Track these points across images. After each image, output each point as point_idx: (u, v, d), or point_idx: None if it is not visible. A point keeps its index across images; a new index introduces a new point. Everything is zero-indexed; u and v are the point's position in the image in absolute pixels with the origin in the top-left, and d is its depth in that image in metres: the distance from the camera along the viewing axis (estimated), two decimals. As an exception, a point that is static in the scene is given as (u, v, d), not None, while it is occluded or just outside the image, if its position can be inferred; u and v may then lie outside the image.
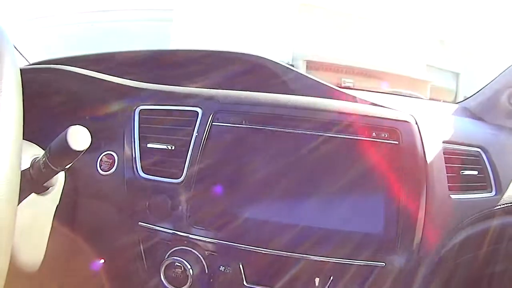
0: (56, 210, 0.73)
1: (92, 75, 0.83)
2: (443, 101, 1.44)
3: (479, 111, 1.15)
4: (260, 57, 0.95)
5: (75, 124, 0.62)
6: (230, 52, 0.98)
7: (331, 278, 0.67)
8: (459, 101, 1.28)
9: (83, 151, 0.61)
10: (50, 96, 0.88)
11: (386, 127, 0.72)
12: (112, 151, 0.79)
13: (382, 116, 0.73)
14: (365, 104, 0.79)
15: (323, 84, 0.92)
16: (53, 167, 0.63)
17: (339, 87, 0.94)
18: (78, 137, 0.60)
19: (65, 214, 0.77)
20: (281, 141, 0.72)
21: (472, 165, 0.83)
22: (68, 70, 0.84)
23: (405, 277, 0.69)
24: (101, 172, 0.79)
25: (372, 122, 0.71)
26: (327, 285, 0.67)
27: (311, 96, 0.79)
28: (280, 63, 0.96)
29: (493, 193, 0.83)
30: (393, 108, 0.77)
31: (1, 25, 0.53)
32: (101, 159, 0.79)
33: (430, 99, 1.60)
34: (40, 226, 0.71)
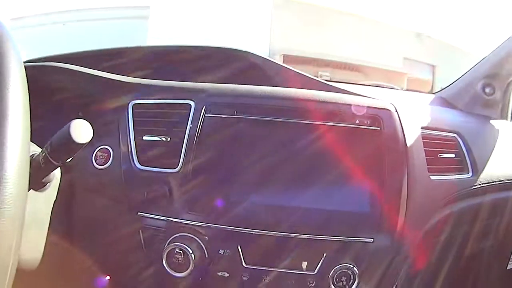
0: (53, 205, 0.75)
1: (84, 71, 0.87)
2: (420, 92, 1.53)
3: (455, 100, 1.24)
4: (246, 51, 1.01)
5: (68, 120, 0.65)
6: (216, 47, 1.03)
7: (324, 255, 0.73)
8: (435, 91, 1.37)
9: (85, 144, 0.64)
10: (41, 93, 0.91)
11: (368, 114, 0.78)
12: (107, 145, 0.83)
13: (364, 104, 0.79)
14: (348, 94, 0.85)
15: (306, 76, 0.98)
16: (54, 162, 0.64)
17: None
18: (81, 130, 0.62)
19: (63, 209, 0.79)
20: (271, 130, 0.78)
21: (449, 149, 0.91)
22: (60, 67, 0.87)
23: (392, 252, 0.76)
24: (97, 166, 0.82)
25: (355, 109, 0.78)
26: (321, 262, 0.73)
27: (294, 88, 0.85)
28: (266, 57, 1.02)
29: (470, 174, 0.92)
30: (374, 98, 0.84)
31: (2, 21, 0.56)
32: (96, 154, 0.83)
33: (408, 90, 1.69)
34: (39, 223, 0.73)
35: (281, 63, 1.04)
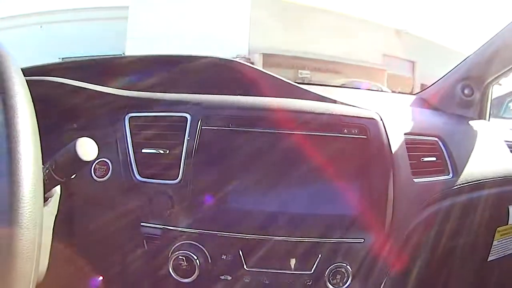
0: (55, 220, 0.77)
1: (79, 85, 0.90)
2: (401, 93, 1.62)
3: (435, 101, 1.33)
4: (231, 60, 1.07)
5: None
6: (202, 57, 1.09)
7: (320, 255, 0.80)
8: (417, 90, 1.45)
9: (91, 161, 0.66)
10: (36, 108, 0.95)
11: (356, 124, 0.86)
12: (105, 158, 0.87)
13: (352, 115, 0.87)
14: (336, 104, 0.92)
15: (293, 85, 1.05)
16: (57, 178, 0.66)
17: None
18: (87, 148, 0.65)
19: (65, 223, 0.83)
20: (266, 140, 0.84)
21: (430, 152, 0.99)
22: (55, 81, 0.90)
23: (381, 251, 0.83)
24: (96, 179, 0.87)
25: (344, 120, 0.85)
26: (316, 262, 0.80)
27: (280, 96, 0.93)
28: (253, 66, 1.08)
29: (451, 175, 1.00)
30: (361, 107, 0.91)
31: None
32: (94, 166, 0.87)
33: (390, 91, 1.79)
34: (43, 238, 0.77)
35: (260, 62, 1.10)
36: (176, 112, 0.87)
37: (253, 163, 0.83)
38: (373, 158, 0.85)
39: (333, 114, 0.85)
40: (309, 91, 1.02)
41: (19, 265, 0.46)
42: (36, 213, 0.48)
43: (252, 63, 1.10)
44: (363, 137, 0.85)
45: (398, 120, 0.96)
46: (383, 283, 0.87)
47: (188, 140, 0.83)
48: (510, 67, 1.23)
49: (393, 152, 0.86)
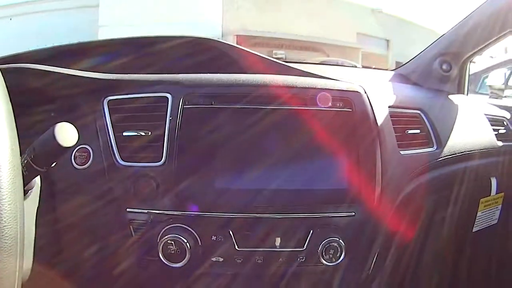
0: (37, 213, 0.76)
1: (53, 70, 0.89)
2: (379, 68, 1.65)
3: (414, 77, 1.38)
4: (209, 39, 1.07)
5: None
6: (178, 36, 1.09)
7: (311, 231, 0.83)
8: (393, 67, 1.49)
9: (71, 147, 0.65)
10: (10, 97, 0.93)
11: (340, 97, 0.88)
12: (85, 144, 0.86)
13: (336, 88, 0.89)
14: (320, 78, 0.94)
15: (272, 60, 1.07)
16: (37, 168, 0.64)
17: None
18: (66, 134, 0.63)
19: (47, 215, 0.82)
20: (250, 116, 0.85)
21: (414, 125, 1.02)
22: (27, 68, 0.88)
23: (372, 223, 0.87)
24: (77, 166, 0.86)
25: (328, 94, 0.87)
26: (308, 238, 0.83)
27: (261, 73, 0.93)
28: (231, 44, 1.08)
29: (435, 147, 1.04)
30: (344, 80, 0.93)
31: None
32: (74, 154, 0.86)
33: (367, 67, 1.83)
34: (25, 232, 0.76)
35: (242, 47, 1.11)
36: (156, 92, 0.87)
37: (238, 140, 0.84)
38: (359, 131, 0.87)
39: (317, 88, 0.87)
40: (290, 66, 1.04)
41: (2, 263, 0.45)
42: (17, 208, 0.47)
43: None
44: (348, 110, 0.87)
45: (381, 93, 0.99)
46: (375, 256, 0.90)
47: (170, 120, 0.84)
48: (487, 43, 1.29)
49: (378, 125, 0.89)
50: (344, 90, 0.89)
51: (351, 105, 0.87)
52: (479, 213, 1.26)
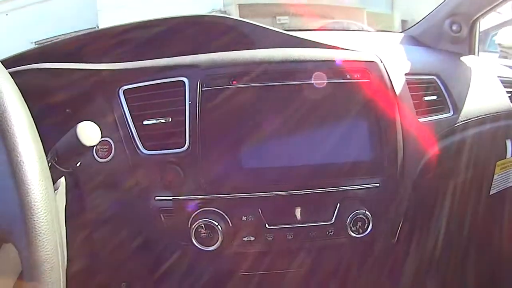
0: (65, 211, 0.79)
1: (64, 67, 0.92)
2: (387, 31, 1.68)
3: (425, 38, 1.41)
4: (218, 16, 1.10)
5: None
6: (188, 16, 1.11)
7: (338, 204, 0.89)
8: (397, 27, 1.51)
9: (95, 145, 0.68)
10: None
11: (358, 68, 0.93)
12: (106, 137, 0.91)
13: (353, 59, 0.93)
14: (336, 49, 0.98)
15: (283, 33, 1.10)
16: (62, 169, 0.67)
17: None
18: (89, 132, 0.65)
19: (75, 212, 0.86)
20: (270, 94, 0.90)
21: (431, 91, 1.07)
22: (38, 68, 0.90)
23: (396, 192, 0.93)
24: (100, 160, 0.91)
25: (346, 65, 0.92)
26: (336, 212, 0.89)
27: (274, 47, 0.97)
28: (240, 19, 1.11)
29: (451, 113, 1.09)
30: (360, 50, 0.97)
31: None
32: (96, 148, 0.91)
33: (375, 30, 1.85)
34: None
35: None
36: (172, 77, 0.91)
37: (260, 119, 0.89)
38: (378, 101, 0.92)
39: (335, 60, 0.91)
40: (302, 38, 1.07)
41: (47, 275, 0.47)
42: (53, 216, 0.49)
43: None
44: (366, 81, 0.92)
45: (396, 61, 1.04)
46: (399, 225, 0.96)
47: (189, 104, 0.88)
48: (497, 2, 1.31)
49: (396, 94, 0.94)
50: (361, 61, 0.93)
51: (368, 75, 0.92)
52: (495, 176, 1.32)
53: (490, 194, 1.34)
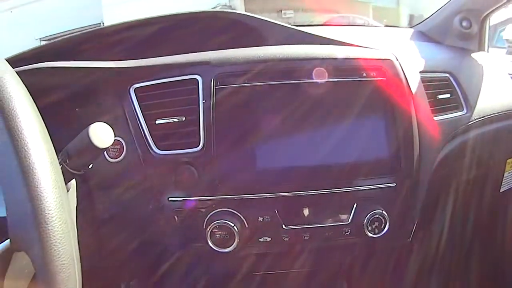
0: (77, 213, 0.77)
1: (74, 66, 0.89)
2: (395, 26, 1.67)
3: (434, 34, 1.40)
4: (235, 12, 1.08)
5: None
6: (194, 12, 1.10)
7: (355, 205, 0.88)
8: (404, 21, 1.51)
9: (108, 147, 0.66)
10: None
11: (374, 66, 0.91)
12: (117, 136, 0.89)
13: (369, 57, 0.92)
14: (352, 47, 0.97)
15: (294, 29, 1.08)
16: (73, 172, 0.65)
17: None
18: (102, 134, 0.63)
19: (86, 214, 0.86)
20: (286, 92, 0.88)
21: (444, 89, 1.06)
22: (47, 67, 0.87)
23: (412, 192, 0.92)
24: (111, 160, 0.89)
25: (362, 63, 0.91)
26: (353, 212, 0.88)
27: (285, 44, 0.96)
28: (255, 16, 1.09)
29: (465, 111, 1.08)
30: (375, 48, 0.96)
31: None
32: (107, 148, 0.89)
33: (384, 26, 1.84)
34: None
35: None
36: (184, 75, 0.89)
37: (276, 118, 0.87)
38: (394, 99, 0.91)
39: (351, 58, 0.90)
40: (313, 34, 1.06)
41: (64, 274, 0.46)
42: (68, 224, 0.48)
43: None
44: (382, 79, 0.91)
45: (411, 58, 1.03)
46: (414, 224, 0.95)
47: (203, 103, 0.86)
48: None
49: (413, 92, 0.93)
50: (377, 59, 0.92)
51: (384, 73, 0.91)
52: (506, 174, 1.32)
53: (501, 191, 1.34)
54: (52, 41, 1.05)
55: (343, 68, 0.89)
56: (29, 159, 0.46)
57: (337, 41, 1.02)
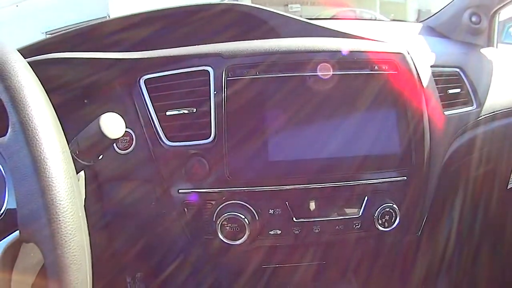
0: (85, 204, 0.80)
1: (84, 56, 0.89)
2: (404, 21, 1.66)
3: (444, 29, 1.40)
4: (245, 5, 1.07)
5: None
6: (203, 4, 1.09)
7: (366, 198, 0.88)
8: (411, 16, 1.50)
9: (120, 138, 0.66)
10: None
11: (385, 59, 0.91)
12: (127, 127, 0.88)
13: (381, 51, 0.91)
14: (364, 40, 0.97)
15: (304, 21, 1.08)
16: (83, 162, 0.64)
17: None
18: (113, 124, 0.62)
19: (95, 205, 0.86)
20: (297, 84, 0.88)
21: (454, 83, 1.05)
22: (57, 57, 0.87)
23: (422, 186, 0.92)
24: (120, 152, 0.89)
25: (373, 57, 0.90)
26: (363, 205, 0.88)
27: (296, 36, 0.95)
28: (265, 8, 1.09)
29: (475, 106, 1.08)
30: (386, 41, 0.95)
31: None
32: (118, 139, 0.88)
33: (394, 20, 1.84)
34: None
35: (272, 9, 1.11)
36: (195, 66, 0.89)
37: (287, 110, 0.87)
38: (405, 93, 0.91)
39: (363, 51, 0.90)
40: (324, 27, 1.05)
41: (75, 271, 0.46)
42: (79, 215, 0.48)
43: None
44: (393, 72, 0.90)
45: (422, 52, 1.02)
46: (424, 218, 0.95)
47: (215, 94, 0.86)
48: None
49: (424, 86, 0.93)
50: (389, 52, 0.91)
51: (396, 67, 0.91)
52: (514, 171, 1.32)
53: (508, 188, 1.34)
54: (60, 32, 1.05)
55: (354, 61, 0.89)
56: (41, 149, 0.46)
57: (348, 34, 1.01)
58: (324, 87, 0.88)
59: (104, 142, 0.62)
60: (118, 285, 1.04)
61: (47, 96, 0.51)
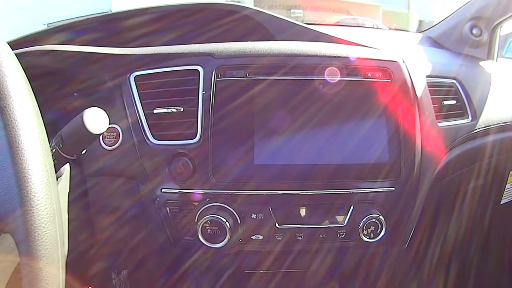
0: (68, 199, 0.77)
1: (75, 50, 0.87)
2: (404, 30, 1.65)
3: (444, 40, 1.38)
4: (243, 6, 1.06)
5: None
6: (203, 3, 1.07)
7: (352, 207, 0.85)
8: (414, 26, 1.49)
9: (103, 133, 0.65)
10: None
11: (379, 67, 0.89)
12: (113, 124, 0.87)
13: (375, 58, 0.89)
14: (357, 46, 0.94)
15: (302, 26, 1.06)
16: (67, 156, 0.64)
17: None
18: (96, 119, 0.62)
19: (79, 200, 0.84)
20: (287, 88, 0.85)
21: (450, 95, 1.03)
22: (44, 50, 0.86)
23: (411, 198, 0.89)
24: (106, 147, 0.87)
25: (367, 64, 0.88)
26: (349, 214, 0.85)
27: (292, 40, 0.93)
28: (262, 10, 1.07)
29: (470, 119, 1.05)
30: (382, 49, 0.93)
31: None
32: (103, 135, 0.87)
33: (393, 29, 1.81)
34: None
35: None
36: (186, 65, 0.87)
37: (275, 114, 0.85)
38: (398, 102, 0.88)
39: (356, 58, 0.87)
40: (321, 32, 1.03)
41: (46, 258, 0.45)
42: (54, 209, 0.47)
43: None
44: (387, 80, 0.88)
45: (417, 61, 1.00)
46: (411, 231, 0.93)
47: (203, 94, 0.84)
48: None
49: (418, 96, 0.90)
50: (383, 60, 0.89)
51: (390, 75, 0.88)
52: (507, 185, 1.29)
53: (501, 203, 1.32)
54: (54, 25, 1.03)
55: (347, 67, 0.86)
56: (19, 139, 0.44)
57: (343, 40, 0.99)
58: (314, 92, 0.85)
59: (87, 136, 0.61)
60: (104, 281, 1.02)
61: (30, 87, 0.49)
